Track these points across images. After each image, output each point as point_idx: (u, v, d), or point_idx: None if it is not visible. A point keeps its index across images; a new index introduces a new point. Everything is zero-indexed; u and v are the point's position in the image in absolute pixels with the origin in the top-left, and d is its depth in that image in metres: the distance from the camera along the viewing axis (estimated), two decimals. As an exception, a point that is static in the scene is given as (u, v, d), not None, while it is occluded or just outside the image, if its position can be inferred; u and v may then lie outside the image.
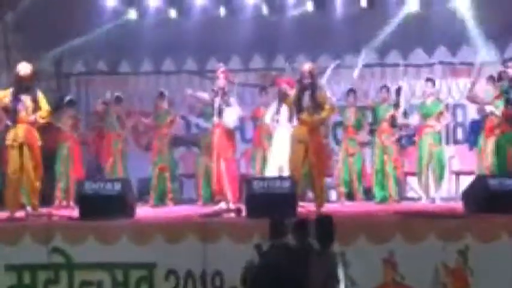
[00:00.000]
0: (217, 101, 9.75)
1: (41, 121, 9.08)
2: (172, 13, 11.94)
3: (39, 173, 9.05)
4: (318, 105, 9.13)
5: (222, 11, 11.87)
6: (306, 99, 9.12)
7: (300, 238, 6.15)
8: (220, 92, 9.77)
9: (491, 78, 10.61)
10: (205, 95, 10.33)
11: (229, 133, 9.91)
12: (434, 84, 10.88)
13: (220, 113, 9.74)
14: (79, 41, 11.65)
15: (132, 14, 11.95)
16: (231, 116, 9.81)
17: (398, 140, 11.05)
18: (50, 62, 12.63)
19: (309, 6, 11.71)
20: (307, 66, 9.36)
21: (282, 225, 6.32)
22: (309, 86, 9.15)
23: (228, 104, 9.77)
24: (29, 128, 8.95)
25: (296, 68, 10.09)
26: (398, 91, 11.15)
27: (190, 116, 11.89)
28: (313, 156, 9.06)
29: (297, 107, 9.20)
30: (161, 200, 11.00)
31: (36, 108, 8.99)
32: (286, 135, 9.75)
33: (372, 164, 10.95)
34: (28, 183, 9.00)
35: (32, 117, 8.95)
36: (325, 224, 6.20)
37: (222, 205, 9.72)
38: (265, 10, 11.84)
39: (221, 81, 9.80)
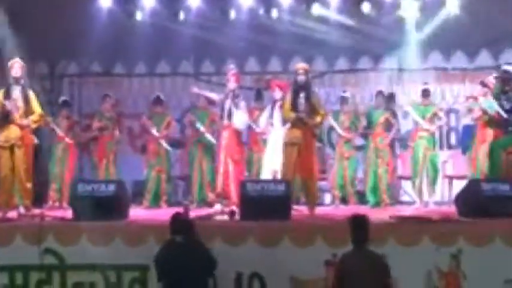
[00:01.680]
0: (228, 103, 9.80)
1: (34, 125, 9.11)
2: (168, 15, 11.94)
3: (30, 174, 9.05)
4: (312, 109, 9.14)
5: (218, 14, 11.88)
6: (301, 102, 9.11)
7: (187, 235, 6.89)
8: (231, 94, 9.82)
9: (482, 83, 10.62)
10: (213, 95, 10.37)
11: (239, 135, 9.99)
12: (429, 95, 10.88)
13: (230, 115, 9.78)
14: (73, 41, 11.59)
15: (128, 16, 11.93)
16: (241, 117, 9.86)
17: (391, 143, 11.10)
18: (44, 62, 12.65)
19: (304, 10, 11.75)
20: (301, 65, 9.39)
21: (183, 223, 7.02)
22: (304, 85, 9.14)
23: (237, 106, 9.81)
24: (21, 129, 8.94)
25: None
26: (391, 97, 11.20)
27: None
28: (305, 158, 9.06)
29: (292, 110, 9.19)
30: (156, 202, 10.99)
31: (27, 109, 8.98)
32: (280, 139, 9.75)
33: (365, 167, 10.97)
34: (20, 185, 9.00)
35: (25, 122, 8.94)
36: (360, 224, 6.48)
37: (217, 207, 9.73)
38: (261, 13, 11.85)
39: (232, 84, 9.85)
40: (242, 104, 9.93)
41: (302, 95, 9.12)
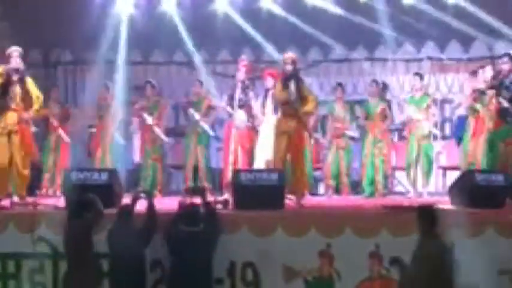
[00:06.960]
0: (238, 93, 9.78)
1: (36, 114, 9.10)
2: (164, 5, 11.88)
3: (28, 161, 9.04)
4: (302, 97, 9.07)
5: (214, 3, 11.84)
6: (292, 92, 9.02)
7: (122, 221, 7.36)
8: (241, 85, 9.80)
9: (474, 73, 10.63)
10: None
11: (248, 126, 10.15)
12: (422, 78, 10.91)
13: (240, 105, 9.87)
14: (67, 30, 11.52)
15: (122, 4, 11.86)
16: (240, 117, 10.01)
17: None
18: (37, 50, 12.58)
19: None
20: (289, 54, 9.30)
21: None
22: (292, 75, 9.08)
23: (247, 97, 9.81)
24: (19, 116, 8.90)
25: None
26: (384, 87, 11.20)
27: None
28: (294, 147, 9.02)
29: (282, 99, 9.14)
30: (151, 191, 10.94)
31: (24, 95, 8.93)
32: (272, 128, 9.70)
33: (362, 157, 10.95)
34: (17, 172, 8.95)
35: (25, 116, 8.90)
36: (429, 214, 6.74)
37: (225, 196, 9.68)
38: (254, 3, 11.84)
39: (242, 74, 9.85)
40: (251, 94, 9.96)
41: (292, 84, 9.05)
